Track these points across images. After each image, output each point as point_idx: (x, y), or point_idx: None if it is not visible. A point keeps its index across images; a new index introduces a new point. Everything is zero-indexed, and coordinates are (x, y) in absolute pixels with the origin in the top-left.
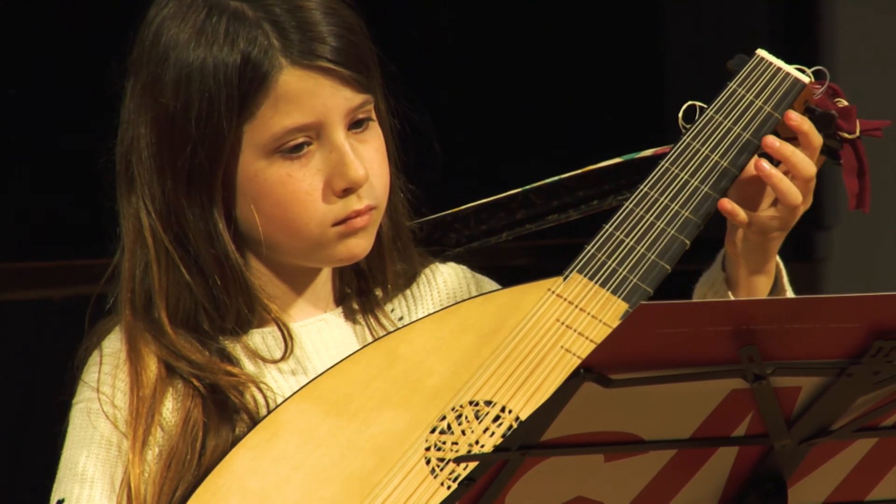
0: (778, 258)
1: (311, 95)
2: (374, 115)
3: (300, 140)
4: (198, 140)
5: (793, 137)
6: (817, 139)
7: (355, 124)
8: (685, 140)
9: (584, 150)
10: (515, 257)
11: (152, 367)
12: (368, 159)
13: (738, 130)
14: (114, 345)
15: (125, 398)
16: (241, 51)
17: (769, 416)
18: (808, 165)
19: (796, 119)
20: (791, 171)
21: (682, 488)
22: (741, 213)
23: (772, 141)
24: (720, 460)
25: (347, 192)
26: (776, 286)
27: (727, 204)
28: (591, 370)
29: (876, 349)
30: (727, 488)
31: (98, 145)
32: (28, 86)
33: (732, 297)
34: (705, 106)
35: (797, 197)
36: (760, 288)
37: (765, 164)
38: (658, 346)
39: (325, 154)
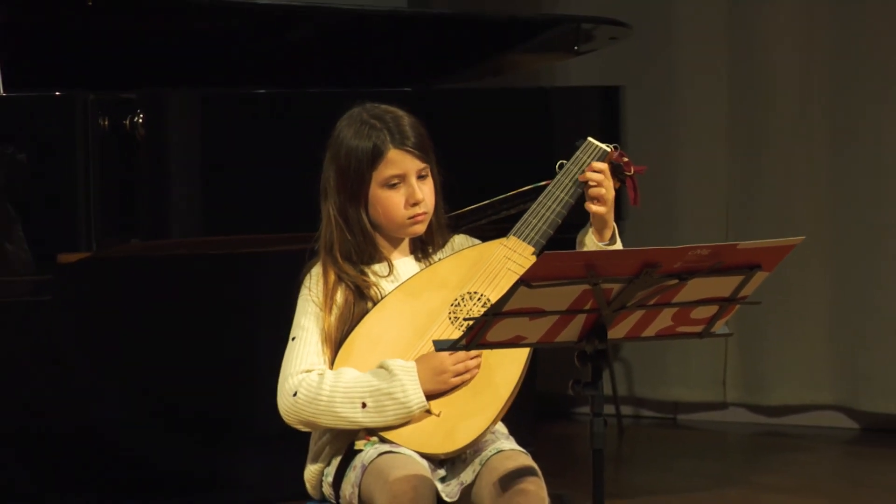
0: (614, 223)
1: (401, 162)
2: (430, 172)
3: (395, 181)
4: (353, 179)
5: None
6: (604, 178)
7: (420, 176)
8: (558, 177)
9: (514, 184)
10: (489, 231)
11: (332, 277)
12: (425, 191)
13: (578, 172)
14: (317, 269)
15: (321, 292)
16: (372, 142)
17: (600, 300)
18: (609, 186)
19: (597, 168)
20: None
21: (562, 331)
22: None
23: (597, 175)
24: (578, 320)
25: (415, 205)
26: (613, 236)
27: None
28: (525, 281)
29: (645, 272)
30: (581, 332)
31: (316, 181)
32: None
33: (596, 241)
34: (566, 161)
35: (609, 193)
36: (607, 236)
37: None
38: (554, 270)
39: (406, 188)
